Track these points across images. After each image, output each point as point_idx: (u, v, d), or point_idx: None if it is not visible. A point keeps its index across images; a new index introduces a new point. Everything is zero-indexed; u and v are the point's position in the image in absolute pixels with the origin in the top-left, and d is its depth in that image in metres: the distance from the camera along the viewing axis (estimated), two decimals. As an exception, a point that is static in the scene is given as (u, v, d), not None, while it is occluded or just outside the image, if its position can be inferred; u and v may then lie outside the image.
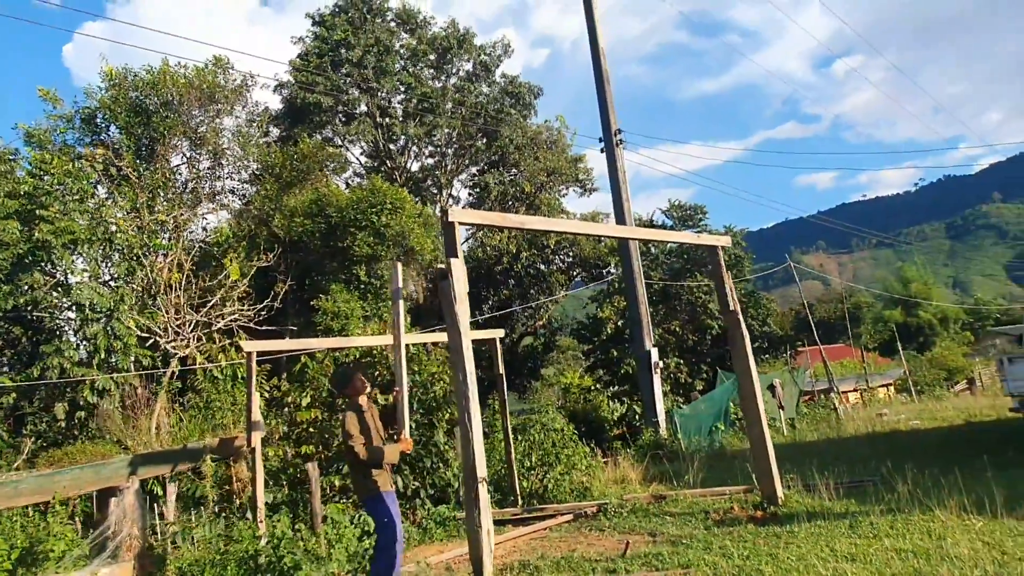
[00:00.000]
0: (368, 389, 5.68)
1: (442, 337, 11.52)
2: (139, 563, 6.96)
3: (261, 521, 7.58)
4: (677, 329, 25.34)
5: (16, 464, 9.76)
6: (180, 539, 8.05)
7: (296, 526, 7.39)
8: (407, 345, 10.84)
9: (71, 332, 14.85)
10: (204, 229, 21.86)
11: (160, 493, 9.31)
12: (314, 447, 10.13)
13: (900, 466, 7.84)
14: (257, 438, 7.92)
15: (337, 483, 9.81)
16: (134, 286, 15.13)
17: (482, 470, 4.95)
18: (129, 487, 7.34)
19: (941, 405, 19.52)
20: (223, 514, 9.05)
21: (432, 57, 30.78)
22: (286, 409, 11.06)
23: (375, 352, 10.91)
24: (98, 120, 19.87)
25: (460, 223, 5.25)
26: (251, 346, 8.14)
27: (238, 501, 9.57)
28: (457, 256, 5.05)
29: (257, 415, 8.04)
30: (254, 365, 8.09)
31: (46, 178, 14.04)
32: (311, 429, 10.42)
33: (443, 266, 5.09)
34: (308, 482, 8.64)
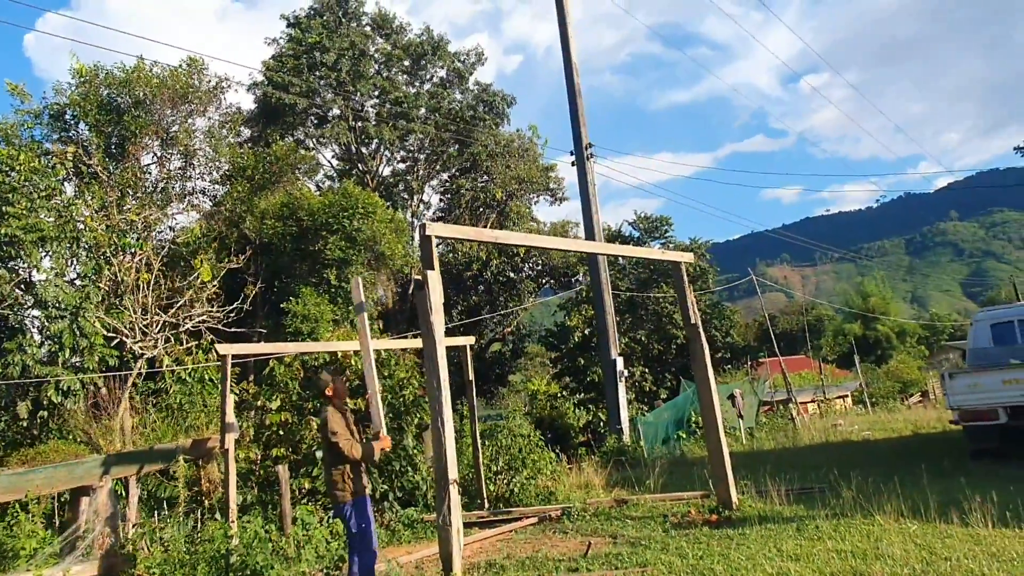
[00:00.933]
0: (344, 392, 5.88)
1: (412, 343, 11.76)
2: (110, 561, 7.04)
3: (233, 521, 7.71)
4: (643, 338, 25.85)
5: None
6: (149, 539, 8.13)
7: (266, 527, 7.54)
8: (379, 350, 11.07)
9: (35, 330, 14.68)
10: (172, 229, 21.72)
11: (123, 494, 9.35)
12: (284, 450, 10.27)
13: (847, 474, 8.30)
14: (230, 439, 8.06)
15: (307, 485, 9.96)
16: (100, 285, 15.02)
17: (453, 472, 5.21)
18: (103, 486, 7.43)
19: (893, 417, 20.25)
20: (191, 515, 9.15)
21: (406, 63, 30.96)
22: (254, 412, 11.14)
23: (339, 356, 11.07)
24: (67, 117, 19.67)
25: (437, 237, 5.52)
26: (227, 349, 8.28)
27: (207, 502, 9.66)
28: (433, 268, 5.32)
29: (231, 417, 8.17)
30: (229, 368, 8.22)
31: (12, 174, 13.89)
32: (280, 432, 10.55)
33: (419, 278, 5.36)
34: (278, 484, 8.79)
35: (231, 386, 12.49)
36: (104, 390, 13.96)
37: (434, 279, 5.28)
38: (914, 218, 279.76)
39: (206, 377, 14.99)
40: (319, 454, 10.06)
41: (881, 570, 4.98)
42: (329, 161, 31.70)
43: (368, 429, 5.93)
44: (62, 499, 8.44)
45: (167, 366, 14.14)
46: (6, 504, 7.52)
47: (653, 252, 10.63)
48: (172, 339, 15.49)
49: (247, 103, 29.94)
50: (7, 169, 13.91)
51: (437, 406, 5.19)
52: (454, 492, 5.17)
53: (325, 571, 6.69)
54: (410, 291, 28.02)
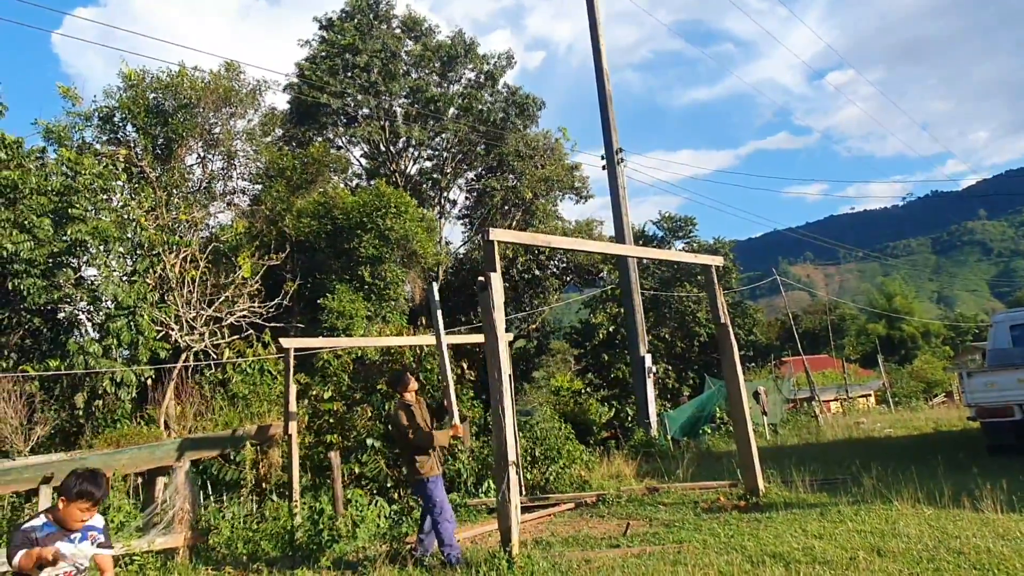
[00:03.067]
0: (416, 386, 6.56)
1: (449, 339, 12.39)
2: (190, 535, 7.77)
3: (296, 502, 8.39)
4: (666, 336, 26.31)
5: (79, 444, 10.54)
6: (214, 518, 8.84)
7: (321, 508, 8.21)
8: (421, 345, 11.74)
9: (91, 325, 15.52)
10: (207, 226, 22.54)
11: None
12: (335, 437, 10.97)
13: (868, 466, 8.82)
14: (293, 426, 8.75)
15: (356, 470, 10.65)
16: (149, 281, 15.81)
17: (512, 455, 5.82)
18: (181, 467, 8.14)
19: (915, 415, 20.57)
20: (252, 496, 9.86)
21: (437, 64, 31.58)
22: (307, 401, 11.85)
23: (392, 351, 11.75)
24: (116, 119, 20.55)
25: (499, 241, 6.14)
26: (290, 343, 8.98)
27: (265, 485, 10.38)
28: (496, 271, 5.93)
29: (293, 406, 8.86)
30: (292, 360, 8.91)
31: (78, 178, 14.69)
32: (331, 420, 11.26)
33: (483, 279, 5.98)
34: (329, 469, 9.47)
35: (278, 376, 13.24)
36: (150, 381, 14.77)
37: (496, 280, 5.90)
38: (941, 217, 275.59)
39: (265, 368, 15.80)
40: (369, 441, 10.77)
41: (897, 546, 5.54)
42: (358, 160, 32.46)
43: (447, 419, 6.60)
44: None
45: (228, 358, 14.88)
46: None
47: (686, 255, 11.20)
48: (217, 333, 16.25)
49: (280, 103, 30.71)
50: (71, 173, 14.74)
51: (498, 396, 5.80)
52: (513, 473, 5.78)
53: (389, 543, 7.29)
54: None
